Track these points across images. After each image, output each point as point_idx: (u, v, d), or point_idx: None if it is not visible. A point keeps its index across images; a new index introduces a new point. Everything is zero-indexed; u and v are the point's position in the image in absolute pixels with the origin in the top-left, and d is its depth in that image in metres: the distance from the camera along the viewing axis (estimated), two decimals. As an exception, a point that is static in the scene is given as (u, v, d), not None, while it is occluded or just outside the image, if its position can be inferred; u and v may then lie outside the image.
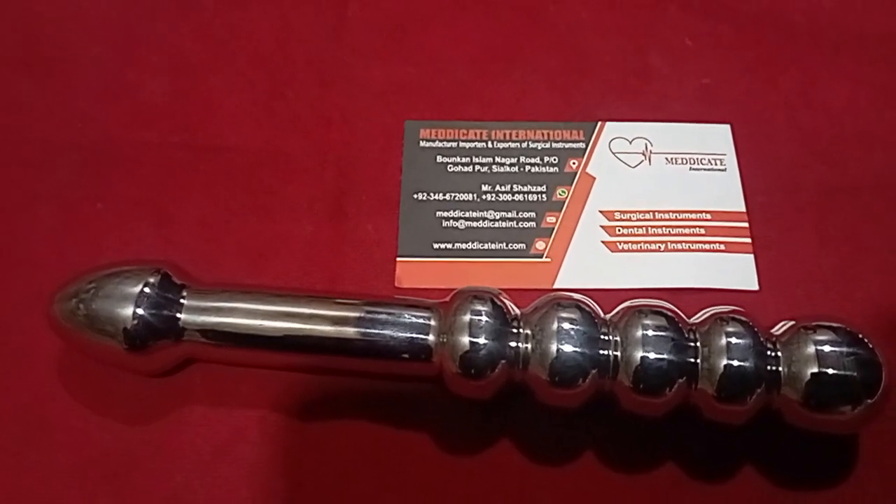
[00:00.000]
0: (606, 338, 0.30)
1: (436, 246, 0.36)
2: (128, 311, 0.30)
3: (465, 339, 0.29)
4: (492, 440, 0.32)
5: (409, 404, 0.32)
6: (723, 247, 0.36)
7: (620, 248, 0.36)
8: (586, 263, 0.35)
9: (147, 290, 0.30)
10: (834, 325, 0.29)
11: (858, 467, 0.31)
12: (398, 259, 0.35)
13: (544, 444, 0.32)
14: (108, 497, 0.31)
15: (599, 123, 0.39)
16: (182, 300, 0.31)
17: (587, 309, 0.30)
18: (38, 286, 0.33)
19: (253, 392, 0.33)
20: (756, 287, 0.35)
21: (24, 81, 0.40)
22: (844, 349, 0.29)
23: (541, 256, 0.36)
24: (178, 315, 0.30)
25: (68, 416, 0.32)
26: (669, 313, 0.30)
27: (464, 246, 0.36)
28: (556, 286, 0.35)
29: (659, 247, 0.36)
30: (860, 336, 0.29)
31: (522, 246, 0.36)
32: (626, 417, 0.31)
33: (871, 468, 0.31)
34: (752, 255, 0.35)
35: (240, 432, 0.32)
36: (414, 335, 0.30)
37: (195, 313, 0.31)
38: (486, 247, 0.36)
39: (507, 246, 0.36)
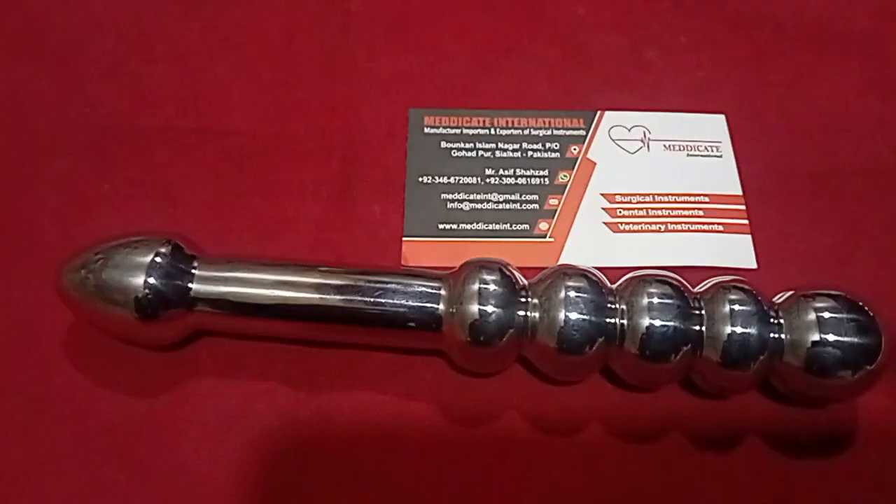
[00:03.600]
0: (613, 306, 0.30)
1: (441, 227, 0.36)
2: (139, 279, 0.30)
3: (475, 308, 0.30)
4: (498, 412, 0.32)
5: (415, 377, 0.33)
6: (721, 227, 0.36)
7: (622, 228, 0.36)
8: (589, 243, 0.36)
9: (159, 259, 0.30)
10: (834, 292, 0.30)
11: (859, 436, 0.32)
12: (404, 239, 0.36)
13: (550, 415, 0.32)
14: (115, 469, 0.31)
15: (599, 112, 0.40)
16: (193, 270, 0.31)
17: (594, 278, 0.31)
18: (45, 266, 0.32)
19: (260, 365, 0.33)
20: (755, 266, 0.36)
21: (34, 69, 0.41)
22: (844, 315, 0.29)
23: (544, 236, 0.36)
24: (190, 284, 0.31)
25: (75, 390, 0.32)
26: (674, 282, 0.31)
27: (468, 227, 0.36)
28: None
29: (659, 227, 0.36)
30: (860, 303, 0.30)
31: (526, 227, 0.36)
32: (631, 388, 0.32)
33: (872, 437, 0.32)
34: (749, 236, 0.36)
35: (247, 404, 0.32)
36: (424, 304, 0.30)
37: (207, 283, 0.31)
38: (490, 227, 0.36)
39: (511, 227, 0.36)
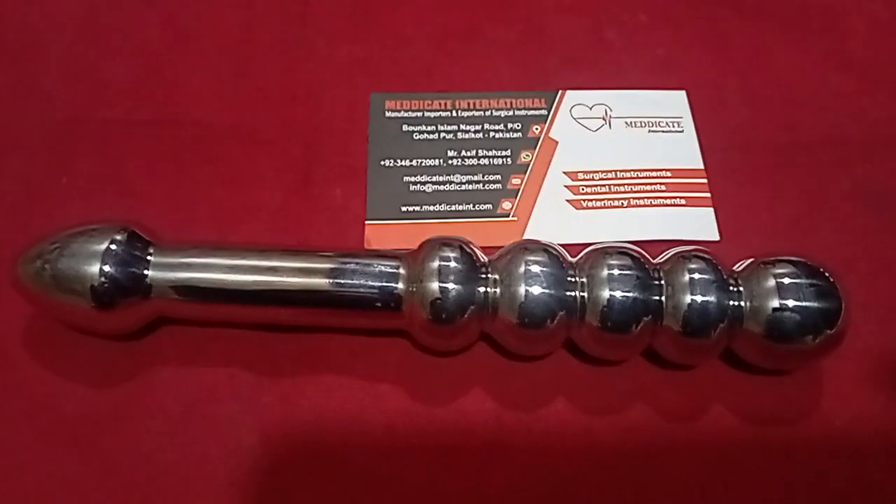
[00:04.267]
0: (573, 279, 0.30)
1: (404, 209, 0.36)
2: (94, 268, 0.30)
3: (435, 285, 0.30)
4: (463, 390, 0.32)
5: (379, 359, 0.33)
6: (683, 201, 0.36)
7: (585, 205, 0.36)
8: (552, 221, 0.36)
9: (113, 247, 0.30)
10: (793, 258, 0.30)
11: (824, 402, 0.32)
12: (367, 222, 0.36)
13: (516, 391, 0.32)
14: (76, 462, 0.30)
15: (560, 92, 0.40)
16: (149, 257, 0.31)
17: (554, 252, 0.31)
18: (2, 260, 0.32)
19: (221, 352, 0.32)
20: (717, 237, 0.36)
21: (-12, 65, 0.40)
22: (804, 281, 0.30)
23: (507, 216, 0.36)
24: (146, 272, 0.30)
25: (34, 382, 0.32)
26: (634, 253, 0.31)
27: (431, 208, 0.36)
28: (523, 243, 0.35)
29: (622, 203, 0.36)
30: (819, 268, 0.30)
31: (489, 206, 0.36)
32: (595, 362, 0.32)
33: (836, 403, 0.32)
34: (712, 209, 0.36)
35: (209, 391, 0.32)
36: (383, 284, 0.30)
37: (163, 269, 0.30)
38: (453, 208, 0.36)
39: (474, 207, 0.36)
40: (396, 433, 0.31)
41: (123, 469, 0.30)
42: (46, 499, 0.30)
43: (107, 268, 0.30)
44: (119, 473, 0.30)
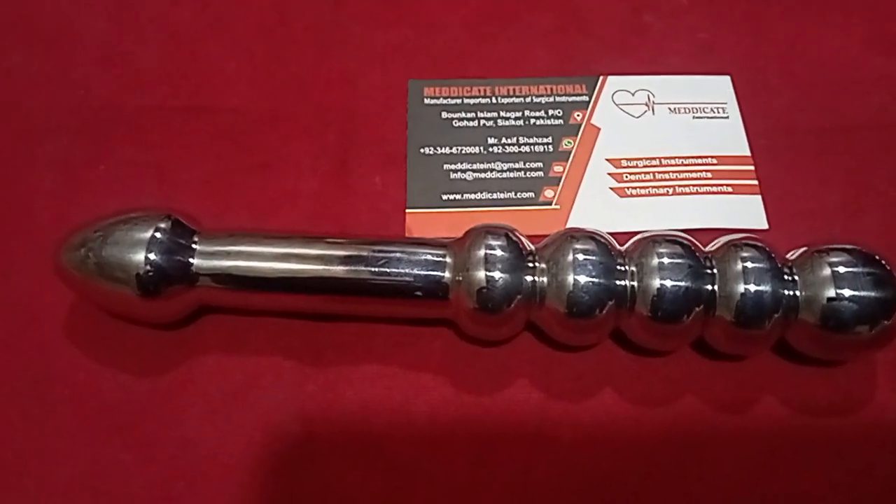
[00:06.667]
0: (622, 268, 0.30)
1: (445, 197, 0.36)
2: (139, 256, 0.29)
3: (481, 274, 0.29)
4: (508, 381, 0.32)
5: (423, 348, 0.32)
6: (730, 189, 0.36)
7: (629, 193, 0.36)
8: (596, 208, 0.35)
9: (158, 235, 0.30)
10: (848, 247, 0.30)
11: (877, 394, 0.31)
12: (407, 210, 0.35)
13: (562, 382, 0.32)
14: (119, 448, 0.30)
15: (601, 77, 0.39)
16: (194, 245, 0.30)
17: (602, 240, 0.30)
18: (42, 247, 0.32)
19: (264, 341, 0.32)
20: (766, 226, 0.35)
21: (26, 53, 0.40)
22: (860, 269, 0.29)
23: (550, 204, 0.36)
24: (191, 260, 0.30)
25: (78, 370, 0.32)
26: (685, 241, 0.30)
27: (473, 196, 0.36)
28: (566, 232, 0.35)
29: (667, 191, 0.36)
30: (875, 256, 0.29)
31: (531, 194, 0.36)
32: (643, 352, 0.32)
33: (889, 394, 0.31)
34: (759, 196, 0.36)
35: (252, 379, 0.31)
36: (430, 272, 0.30)
37: (208, 258, 0.30)
38: (494, 196, 0.36)
39: (515, 195, 0.36)
40: (440, 423, 0.31)
41: (166, 456, 0.30)
42: (89, 484, 0.30)
43: (152, 256, 0.29)
44: (161, 460, 0.30)
